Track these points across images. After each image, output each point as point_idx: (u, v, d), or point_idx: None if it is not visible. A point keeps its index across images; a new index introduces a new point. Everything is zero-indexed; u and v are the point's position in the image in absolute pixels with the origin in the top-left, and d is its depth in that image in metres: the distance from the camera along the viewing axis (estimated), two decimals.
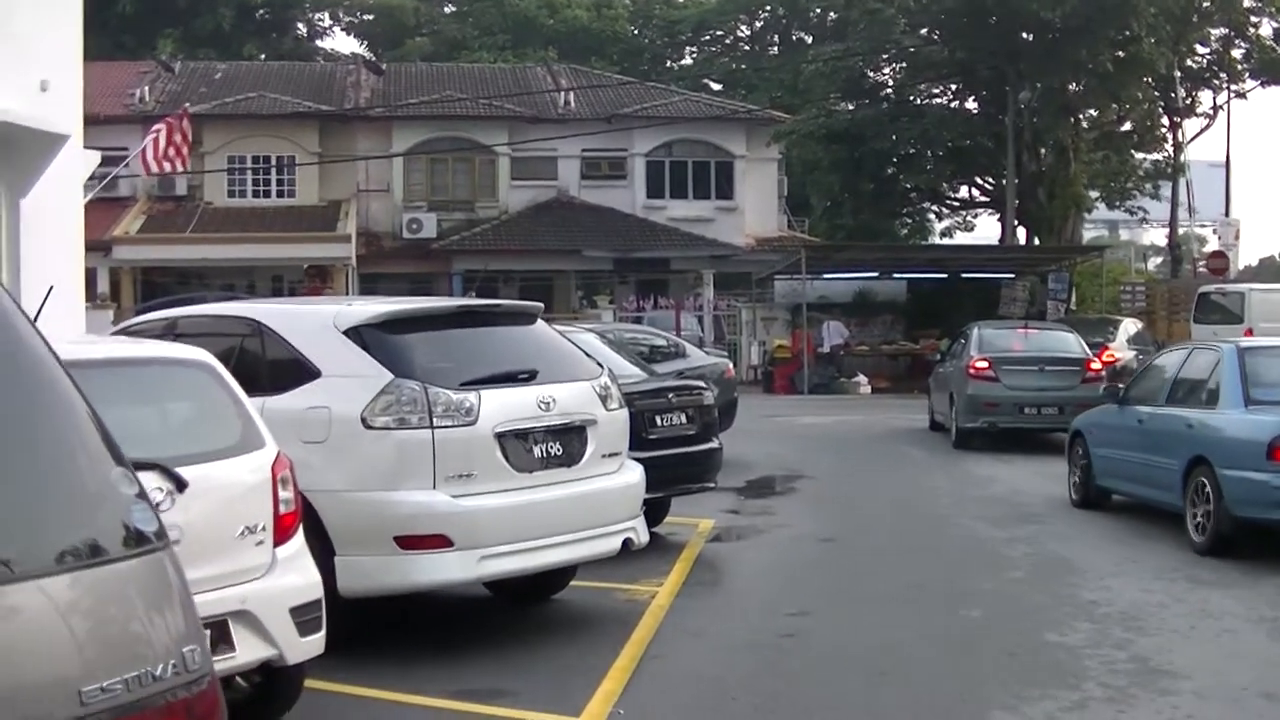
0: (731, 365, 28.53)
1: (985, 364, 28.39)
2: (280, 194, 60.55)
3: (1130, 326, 39.78)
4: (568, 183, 62.96)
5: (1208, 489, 15.80)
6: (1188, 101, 60.45)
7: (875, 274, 53.74)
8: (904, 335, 52.10)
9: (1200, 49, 60.36)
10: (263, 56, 79.33)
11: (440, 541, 10.98)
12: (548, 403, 11.72)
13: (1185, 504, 16.41)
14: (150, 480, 8.10)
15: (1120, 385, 20.92)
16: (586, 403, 12.20)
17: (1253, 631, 12.37)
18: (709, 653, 11.62)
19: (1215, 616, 12.84)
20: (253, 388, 11.19)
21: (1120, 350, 35.34)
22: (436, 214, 60.47)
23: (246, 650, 8.67)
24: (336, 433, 11.18)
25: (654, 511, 16.55)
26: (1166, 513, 17.36)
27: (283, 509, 9.12)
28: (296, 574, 9.16)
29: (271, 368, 11.86)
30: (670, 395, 16.74)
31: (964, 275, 53.62)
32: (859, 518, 19.48)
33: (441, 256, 59.39)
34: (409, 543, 10.98)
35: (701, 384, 17.85)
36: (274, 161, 60.51)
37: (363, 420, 11.06)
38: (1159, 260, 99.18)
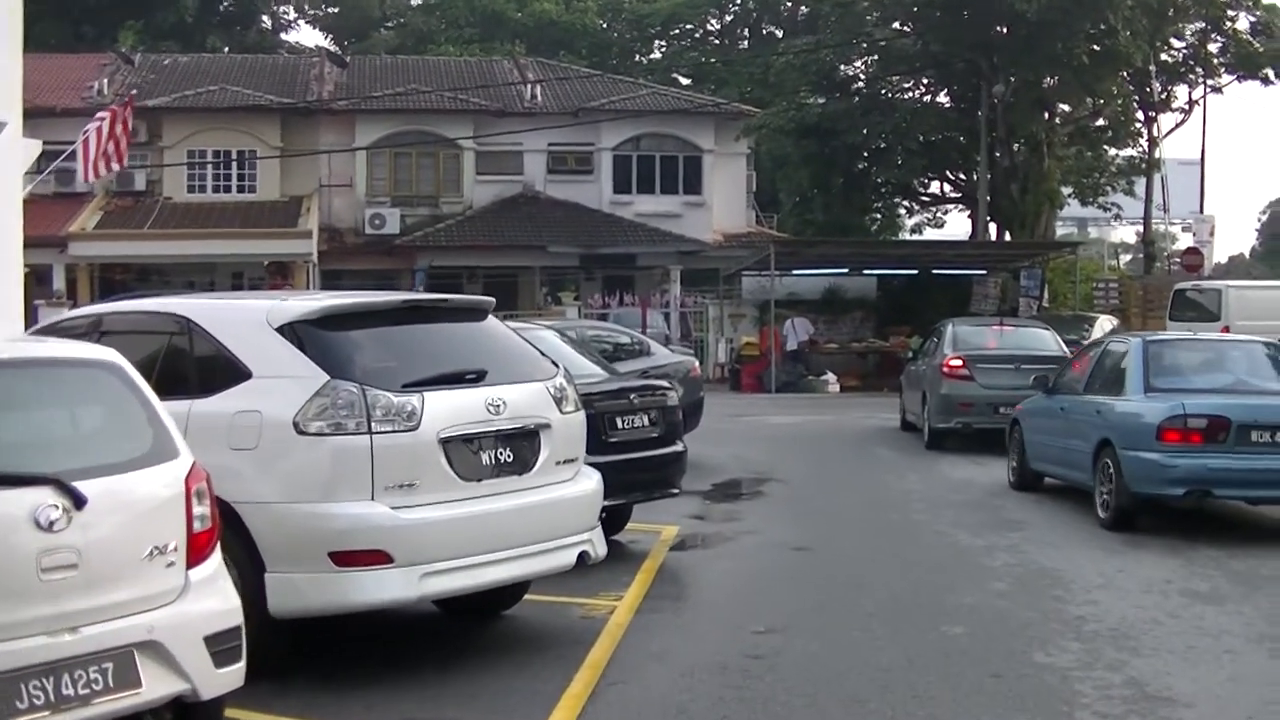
0: (698, 364, 27.65)
1: (959, 362, 27.58)
2: (241, 189, 59.35)
3: (1105, 323, 39.04)
4: (534, 177, 61.87)
5: (1111, 469, 17.47)
6: (1163, 96, 59.70)
7: (845, 270, 52.93)
8: (874, 333, 51.38)
9: (1176, 43, 59.56)
10: (226, 50, 78.24)
11: (379, 558, 10.11)
12: (497, 405, 10.89)
13: (1095, 483, 18.03)
14: (43, 496, 7.33)
15: (1046, 375, 22.04)
16: (540, 405, 11.37)
17: (1253, 652, 11.57)
18: (671, 677, 10.72)
19: (1213, 635, 12.01)
20: (180, 390, 10.59)
21: None
22: (400, 209, 59.46)
23: (155, 685, 7.78)
24: (267, 439, 10.31)
25: (614, 519, 15.87)
26: (1159, 523, 17.43)
27: (197, 526, 8.22)
28: (212, 598, 8.27)
29: (200, 368, 11.02)
30: (632, 396, 15.86)
31: (935, 271, 52.99)
32: (831, 524, 18.56)
33: (405, 253, 58.37)
34: (345, 559, 10.10)
35: (665, 384, 16.94)
36: (235, 156, 59.29)
37: (295, 425, 10.20)
38: (1128, 258, 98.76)
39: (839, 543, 16.94)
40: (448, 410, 10.59)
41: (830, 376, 46.96)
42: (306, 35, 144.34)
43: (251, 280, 55.85)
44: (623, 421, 15.47)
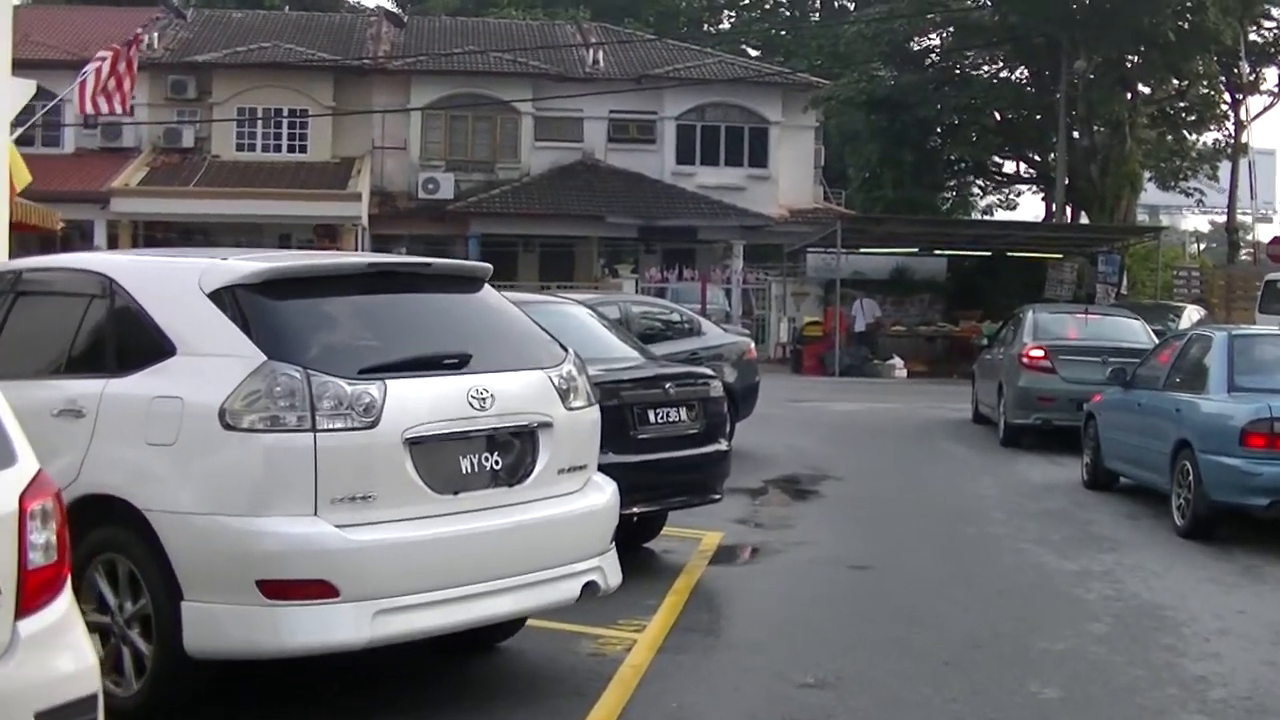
0: (753, 345, 25.21)
1: (1040, 353, 25.18)
2: (291, 149, 57.59)
3: (1193, 314, 36.54)
4: (593, 145, 59.84)
5: (1189, 472, 16.08)
6: (1251, 78, 57.17)
7: (914, 250, 50.90)
8: (943, 316, 49.24)
9: (1266, 22, 57.12)
10: (285, 8, 76.19)
11: (321, 590, 7.96)
12: (483, 398, 8.70)
13: (1171, 486, 16.65)
14: None
15: (1125, 368, 20.35)
16: (539, 399, 9.17)
17: None
18: None
19: None
20: (97, 366, 8.72)
21: None
22: (454, 174, 57.59)
23: None
24: (189, 432, 8.18)
25: (646, 526, 13.84)
26: (1242, 533, 16.12)
27: (36, 560, 5.93)
28: (56, 657, 5.98)
29: (120, 340, 8.92)
30: (668, 385, 13.54)
31: (1009, 254, 50.64)
32: (895, 536, 16.17)
33: (458, 219, 56.55)
34: (277, 590, 7.95)
35: (707, 372, 14.57)
36: (286, 114, 57.43)
37: (222, 417, 8.05)
38: (1199, 247, 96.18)
39: (904, 561, 14.55)
40: (418, 403, 8.46)
41: (896, 361, 44.80)
42: None
43: (299, 243, 54.11)
44: (656, 415, 13.22)
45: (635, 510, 12.65)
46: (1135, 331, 26.51)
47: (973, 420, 29.12)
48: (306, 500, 7.99)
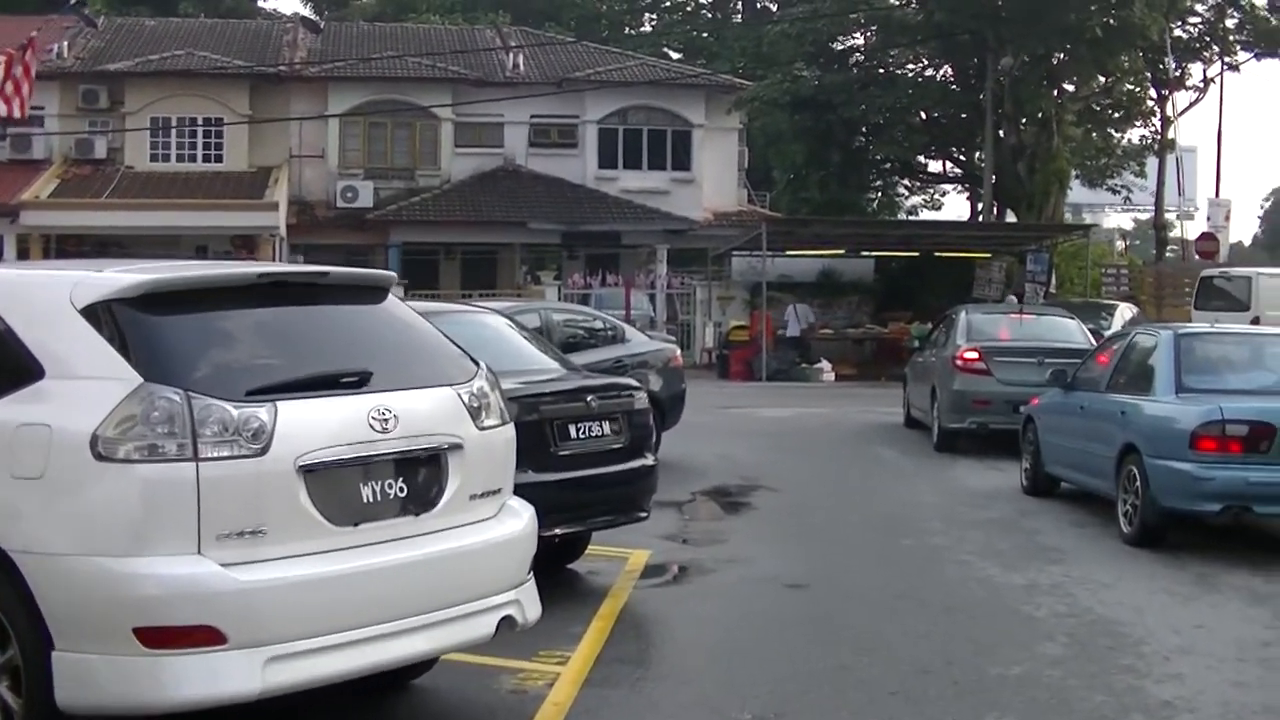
0: (679, 352, 24.36)
1: (975, 355, 24.49)
2: (207, 159, 56.34)
3: (1126, 312, 35.98)
4: (515, 151, 58.93)
5: (1136, 478, 15.43)
6: (1177, 74, 56.83)
7: (841, 251, 50.32)
8: (871, 318, 48.68)
9: (1190, 18, 56.82)
10: (200, 16, 75.03)
11: (207, 636, 7.14)
12: (385, 419, 7.92)
13: (1117, 492, 15.99)
14: None
15: (1065, 369, 19.67)
16: (447, 418, 8.38)
17: None
18: None
19: None
20: None
21: None
22: (374, 182, 56.53)
23: None
24: (57, 464, 7.33)
25: (568, 547, 13.12)
26: (1239, 552, 15.20)
27: None
28: None
29: None
30: (590, 398, 12.71)
31: (937, 255, 50.12)
32: (833, 550, 15.41)
33: (378, 227, 55.66)
34: (158, 638, 7.12)
35: (632, 384, 13.72)
36: (201, 123, 56.28)
37: (94, 446, 7.21)
38: (1125, 245, 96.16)
39: (844, 578, 13.79)
40: (313, 426, 7.66)
41: (825, 365, 44.20)
42: (285, 3, 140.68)
43: (216, 255, 53.15)
44: (578, 430, 12.43)
45: (557, 531, 12.00)
46: (1071, 331, 25.94)
47: (905, 425, 28.45)
48: (189, 537, 7.18)
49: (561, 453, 12.17)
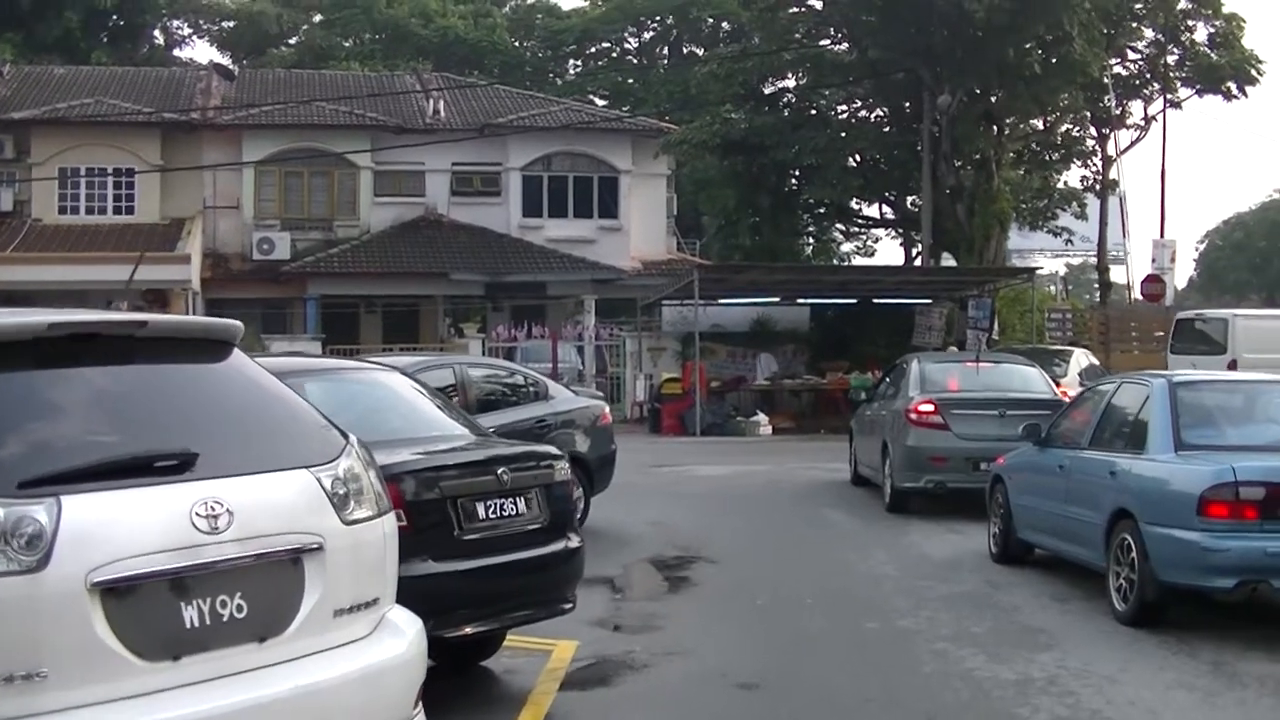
0: (608, 409, 22.31)
1: (930, 407, 22.45)
2: (118, 210, 54.46)
3: (1082, 358, 34.39)
4: (436, 199, 57.35)
5: (1132, 548, 13.55)
6: (1118, 112, 55.50)
7: (776, 299, 48.54)
8: (807, 368, 46.72)
9: (1131, 55, 55.59)
10: (111, 67, 73.11)
11: None
12: (216, 515, 5.95)
13: (1108, 564, 14.08)
14: None
15: (1038, 424, 17.71)
16: (302, 511, 6.41)
17: None
18: None
19: None
20: None
21: (1072, 385, 29.96)
22: (290, 233, 54.86)
23: None
24: None
25: (480, 643, 11.20)
26: (1248, 631, 13.25)
27: None
28: None
29: None
30: (501, 470, 10.59)
31: (875, 301, 48.45)
32: (786, 637, 13.39)
33: (296, 280, 53.94)
34: None
35: (552, 452, 11.63)
36: (111, 173, 54.28)
37: None
38: (1066, 289, 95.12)
39: (803, 675, 11.76)
40: (113, 529, 5.69)
41: (761, 417, 42.37)
42: (201, 52, 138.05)
43: (127, 310, 51.05)
44: (488, 508, 10.36)
45: (466, 631, 10.17)
46: (1034, 380, 24.06)
47: (852, 482, 26.59)
48: None
49: (467, 536, 10.14)
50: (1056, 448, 16.45)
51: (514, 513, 10.60)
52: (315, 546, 6.35)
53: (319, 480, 6.52)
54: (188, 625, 5.82)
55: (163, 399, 6.48)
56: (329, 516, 6.47)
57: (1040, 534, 16.58)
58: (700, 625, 13.93)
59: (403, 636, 6.85)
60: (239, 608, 6.00)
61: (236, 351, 7.02)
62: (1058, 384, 26.80)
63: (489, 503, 10.40)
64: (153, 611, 5.73)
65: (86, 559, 5.51)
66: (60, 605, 5.44)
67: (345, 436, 6.98)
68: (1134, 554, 13.43)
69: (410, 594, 8.27)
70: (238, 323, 7.14)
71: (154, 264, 49.64)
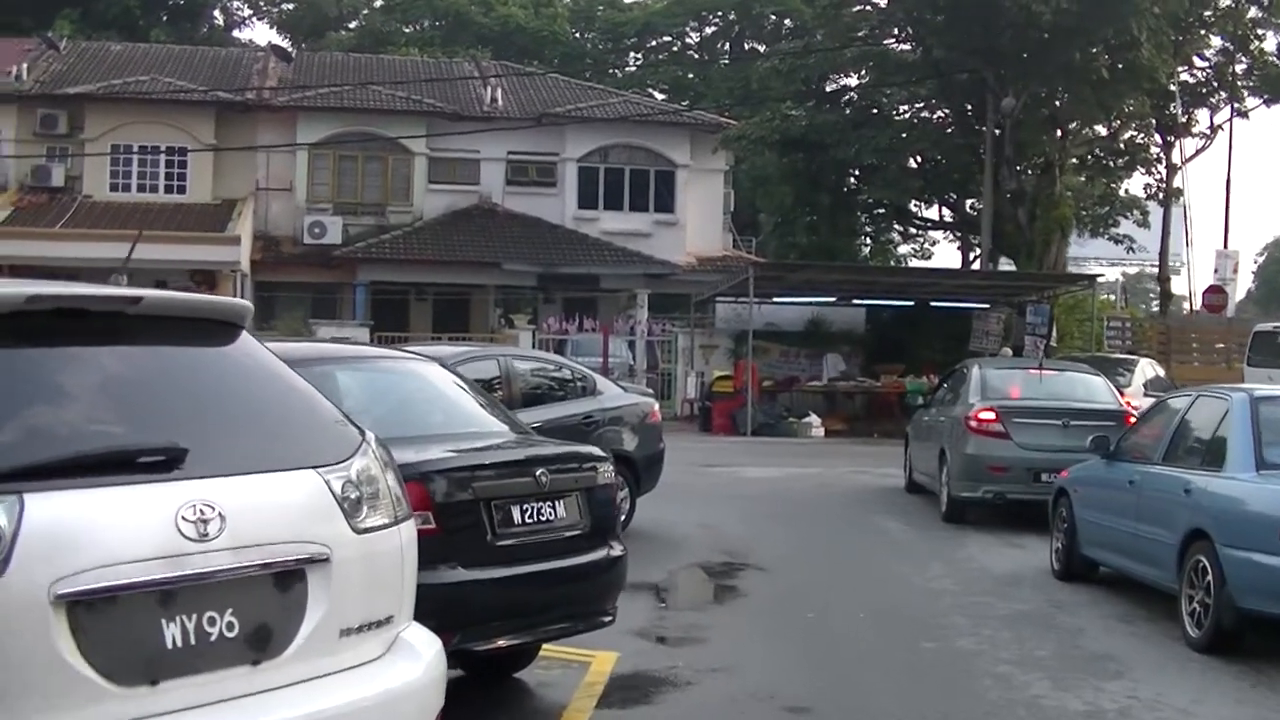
0: (657, 406, 21.52)
1: (991, 415, 21.68)
2: (169, 189, 54.02)
3: (1148, 368, 33.54)
4: (491, 188, 56.72)
5: (1207, 571, 12.67)
6: (1184, 120, 54.51)
7: (832, 299, 47.74)
8: (861, 370, 45.92)
9: (1198, 62, 54.67)
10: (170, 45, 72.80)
11: None
12: (205, 520, 5.23)
13: (1180, 586, 13.26)
14: None
15: (1107, 436, 16.97)
16: (306, 517, 5.68)
17: None
18: None
19: None
20: None
21: (1136, 396, 29.10)
22: (343, 218, 54.26)
23: None
24: None
25: (512, 659, 10.53)
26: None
27: None
28: None
29: None
30: (540, 471, 9.83)
31: (932, 304, 47.64)
32: (839, 655, 12.60)
33: (346, 265, 53.43)
34: None
35: (596, 453, 10.86)
36: (164, 151, 53.80)
37: None
38: (1125, 298, 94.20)
39: (856, 697, 10.98)
40: (84, 533, 4.96)
41: (813, 419, 41.63)
42: (260, 34, 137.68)
43: (176, 289, 50.49)
44: (524, 512, 9.59)
45: (498, 644, 9.50)
46: (1098, 389, 23.21)
47: (906, 489, 25.82)
48: None
49: (502, 542, 9.38)
50: (1126, 462, 15.60)
51: (552, 517, 9.84)
52: (321, 557, 5.63)
53: (328, 483, 5.79)
54: (169, 645, 5.09)
55: (153, 386, 5.71)
56: (338, 524, 5.75)
57: (1106, 551, 15.79)
58: (747, 639, 13.16)
59: (419, 660, 6.10)
60: (230, 625, 5.27)
61: (245, 335, 6.27)
62: (1121, 394, 26.00)
63: (526, 506, 9.63)
64: (128, 629, 5.01)
65: (51, 567, 4.80)
66: (17, 619, 4.72)
67: (361, 433, 6.25)
68: (1209, 577, 12.60)
69: (438, 603, 7.64)
70: (246, 303, 6.41)
71: (203, 244, 49.52)
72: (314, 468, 5.81)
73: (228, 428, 5.77)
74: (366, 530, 5.89)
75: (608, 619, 10.64)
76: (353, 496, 5.85)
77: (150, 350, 5.84)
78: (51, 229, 49.44)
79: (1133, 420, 21.21)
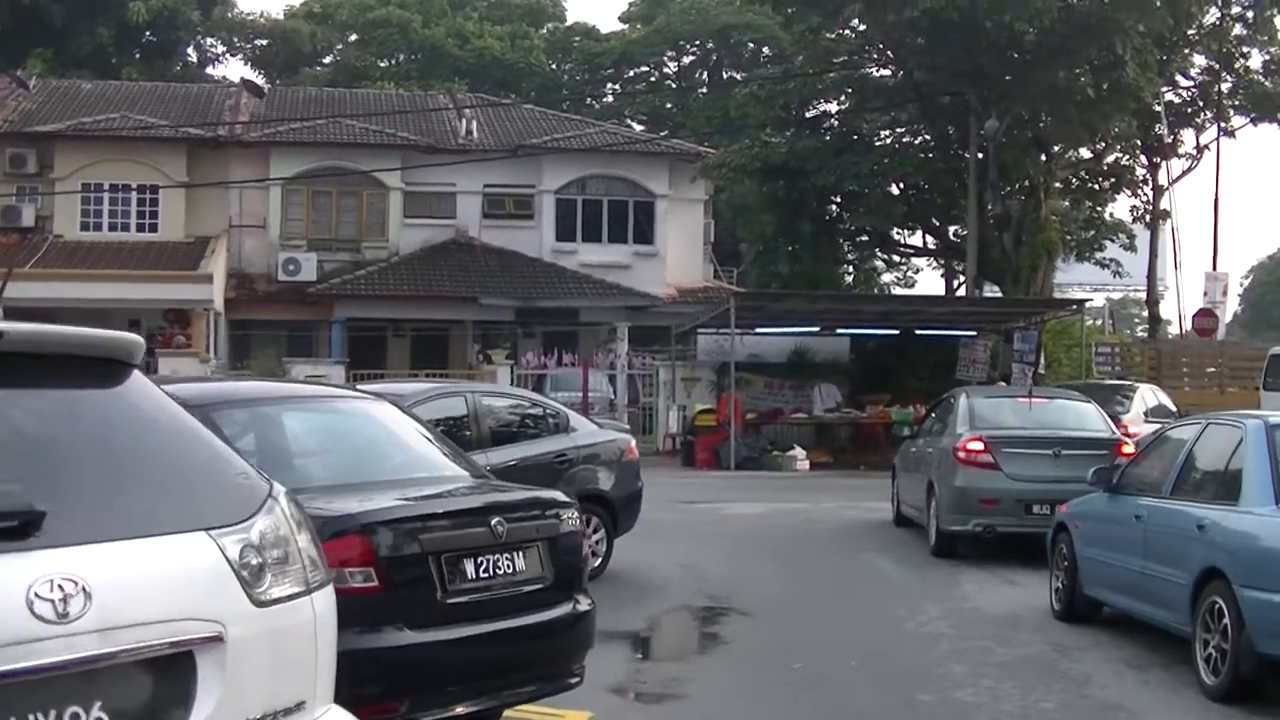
0: (634, 442, 20.54)
1: (980, 445, 20.85)
2: (141, 228, 53.12)
3: (1148, 395, 32.53)
4: (467, 222, 55.81)
5: (1224, 613, 11.72)
6: (1170, 140, 53.81)
7: (815, 329, 46.88)
8: (847, 400, 45.03)
9: (1183, 81, 53.97)
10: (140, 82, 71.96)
11: None
12: (65, 597, 4.35)
13: (1195, 630, 12.28)
14: None
15: (1110, 467, 16.07)
16: (195, 590, 4.78)
17: None
18: None
19: None
20: None
21: (1136, 424, 28.25)
22: (317, 254, 53.23)
23: None
24: None
25: None
26: None
27: None
28: None
29: None
30: (495, 520, 8.90)
31: (917, 332, 46.86)
32: (829, 710, 11.69)
33: (322, 302, 52.40)
34: None
35: (559, 498, 9.93)
36: (135, 189, 52.94)
37: None
38: (1112, 323, 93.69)
39: None
40: None
41: (798, 452, 40.74)
42: (235, 70, 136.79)
43: (150, 329, 49.83)
44: (477, 566, 8.66)
45: (456, 711, 8.59)
46: (1090, 417, 22.43)
47: (895, 523, 24.98)
48: None
49: (453, 599, 8.45)
50: (1131, 495, 14.62)
51: (511, 570, 8.92)
52: (212, 637, 4.74)
53: (222, 547, 4.90)
54: None
55: (11, 437, 4.82)
56: (235, 596, 4.86)
57: (1111, 591, 14.81)
58: (732, 694, 12.25)
59: None
60: None
61: (136, 375, 5.40)
62: (1119, 422, 25.22)
63: (481, 559, 8.71)
64: None
65: None
66: None
67: (270, 487, 5.36)
68: (1226, 620, 11.66)
69: (382, 668, 6.84)
70: (136, 338, 5.52)
71: (175, 283, 48.67)
72: (206, 530, 4.92)
73: (102, 485, 4.87)
74: (270, 602, 5.01)
75: (575, 680, 9.70)
76: (253, 563, 4.97)
77: (12, 394, 4.94)
78: (22, 269, 48.52)
79: (1125, 449, 20.55)
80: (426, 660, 8.10)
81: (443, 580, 8.46)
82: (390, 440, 10.29)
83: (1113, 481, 15.22)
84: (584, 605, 9.68)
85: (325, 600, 5.34)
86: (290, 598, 5.12)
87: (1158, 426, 25.72)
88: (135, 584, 4.58)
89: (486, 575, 8.76)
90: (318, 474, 9.32)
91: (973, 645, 14.24)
